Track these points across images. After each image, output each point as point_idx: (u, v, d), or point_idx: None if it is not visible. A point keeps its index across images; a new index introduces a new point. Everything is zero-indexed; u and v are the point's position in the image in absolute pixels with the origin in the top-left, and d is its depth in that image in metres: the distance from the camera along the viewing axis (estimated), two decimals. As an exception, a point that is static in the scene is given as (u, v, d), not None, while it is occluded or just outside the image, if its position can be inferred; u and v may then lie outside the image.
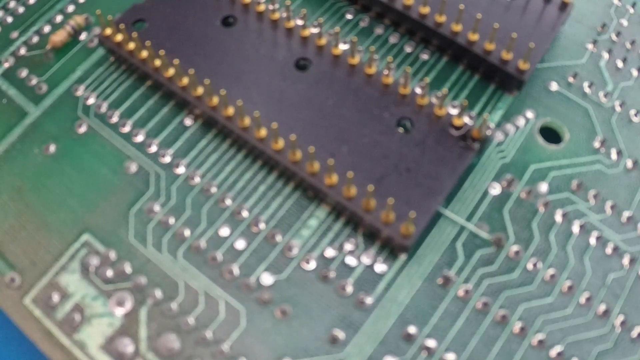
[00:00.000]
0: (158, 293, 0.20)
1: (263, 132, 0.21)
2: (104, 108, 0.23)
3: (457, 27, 0.23)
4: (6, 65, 0.25)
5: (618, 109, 0.23)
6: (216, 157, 0.22)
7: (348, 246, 0.20)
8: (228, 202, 0.21)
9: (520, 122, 0.23)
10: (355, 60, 0.23)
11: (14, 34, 0.26)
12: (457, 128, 0.21)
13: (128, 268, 0.20)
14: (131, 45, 0.23)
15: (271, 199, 0.21)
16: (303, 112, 0.22)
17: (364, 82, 0.22)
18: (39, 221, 0.21)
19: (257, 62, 0.23)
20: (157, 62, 0.23)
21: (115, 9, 0.26)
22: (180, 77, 0.22)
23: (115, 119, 0.23)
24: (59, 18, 0.26)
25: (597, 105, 0.23)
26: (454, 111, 0.22)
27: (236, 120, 0.21)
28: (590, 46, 0.25)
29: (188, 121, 0.23)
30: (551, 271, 0.20)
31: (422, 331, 0.19)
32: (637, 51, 0.25)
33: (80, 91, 0.24)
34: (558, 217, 0.21)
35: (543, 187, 0.21)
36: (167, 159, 0.22)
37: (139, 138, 0.23)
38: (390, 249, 0.20)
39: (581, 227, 0.21)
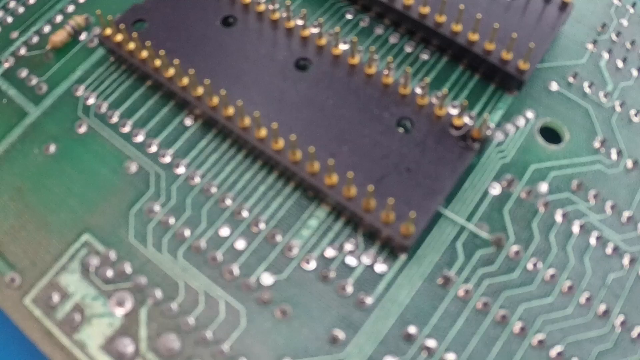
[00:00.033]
0: (158, 293, 0.20)
1: (263, 132, 0.21)
2: (104, 108, 0.23)
3: (457, 27, 0.23)
4: (6, 65, 0.25)
5: (618, 109, 0.23)
6: (216, 157, 0.22)
7: (348, 246, 0.20)
8: (228, 202, 0.21)
9: (521, 122, 0.23)
10: (355, 60, 0.23)
11: (14, 34, 0.26)
12: (457, 128, 0.21)
13: (128, 268, 0.20)
14: (131, 46, 0.23)
15: (271, 199, 0.21)
16: (303, 112, 0.22)
17: (364, 82, 0.22)
18: (39, 221, 0.21)
19: (257, 62, 0.23)
20: (157, 62, 0.23)
21: (115, 9, 0.26)
22: (180, 77, 0.22)
23: (115, 119, 0.23)
24: (59, 18, 0.26)
25: (597, 105, 0.23)
26: (454, 111, 0.22)
27: (236, 120, 0.21)
28: (590, 46, 0.25)
29: (188, 121, 0.23)
30: (551, 271, 0.20)
31: (422, 331, 0.19)
32: (637, 51, 0.25)
33: (80, 91, 0.24)
34: (558, 217, 0.21)
35: (543, 187, 0.21)
36: (167, 159, 0.22)
37: (139, 138, 0.23)
38: (390, 249, 0.20)
39: (581, 227, 0.21)
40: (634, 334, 0.19)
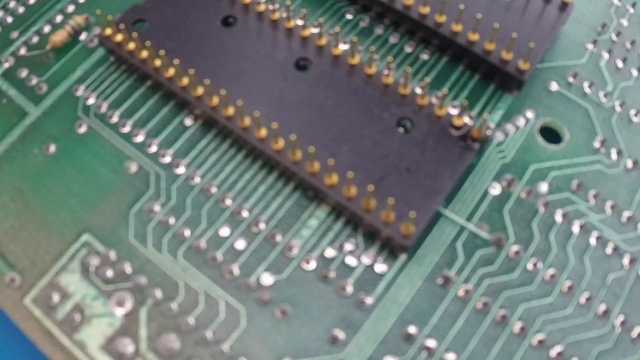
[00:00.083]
0: (158, 293, 0.20)
1: (263, 132, 0.21)
2: (104, 108, 0.23)
3: (457, 27, 0.23)
4: (6, 65, 0.25)
5: (618, 109, 0.23)
6: (216, 157, 0.22)
7: (348, 246, 0.20)
8: (228, 202, 0.21)
9: (520, 122, 0.23)
10: (355, 60, 0.23)
11: (14, 34, 0.26)
12: (457, 128, 0.21)
13: (128, 268, 0.20)
14: (131, 46, 0.23)
15: (271, 199, 0.21)
16: (303, 112, 0.22)
17: (364, 82, 0.22)
18: (39, 221, 0.21)
19: (257, 62, 0.23)
20: (157, 62, 0.23)
21: (115, 9, 0.26)
22: (180, 77, 0.22)
23: (115, 119, 0.23)
24: (59, 18, 0.26)
25: (597, 105, 0.23)
26: (454, 111, 0.22)
27: (236, 120, 0.21)
28: (590, 46, 0.25)
29: (188, 121, 0.23)
30: (551, 271, 0.20)
31: (422, 331, 0.19)
32: (637, 51, 0.25)
33: (80, 91, 0.24)
34: (558, 217, 0.21)
35: (543, 187, 0.21)
36: (167, 159, 0.22)
37: (139, 138, 0.23)
38: (390, 249, 0.20)
39: (581, 227, 0.21)
40: (634, 334, 0.19)
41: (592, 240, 0.21)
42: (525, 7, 0.24)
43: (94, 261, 0.20)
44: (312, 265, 0.20)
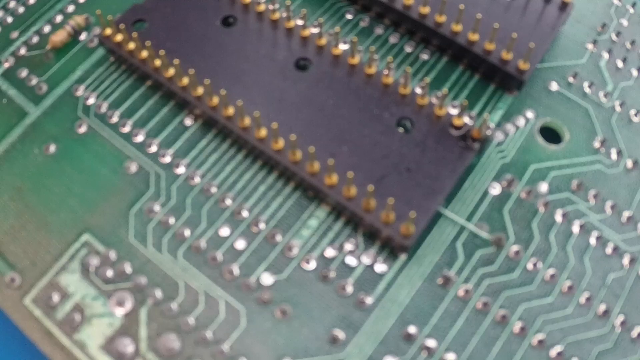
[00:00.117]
0: (158, 293, 0.20)
1: (263, 132, 0.21)
2: (104, 108, 0.23)
3: (457, 27, 0.23)
4: (6, 65, 0.25)
5: (618, 109, 0.23)
6: (216, 157, 0.22)
7: (348, 246, 0.20)
8: (228, 202, 0.21)
9: (520, 122, 0.23)
10: (355, 60, 0.23)
11: (14, 34, 0.26)
12: (457, 128, 0.21)
13: (128, 268, 0.20)
14: (131, 45, 0.23)
15: (271, 199, 0.21)
16: (303, 112, 0.22)
17: (364, 82, 0.22)
18: (39, 221, 0.21)
19: (257, 62, 0.23)
20: (157, 62, 0.23)
21: (115, 9, 0.26)
22: (180, 77, 0.22)
23: (115, 119, 0.23)
24: (59, 18, 0.26)
25: (597, 105, 0.23)
26: (454, 111, 0.22)
27: (236, 120, 0.21)
28: (590, 46, 0.25)
29: (188, 121, 0.23)
30: (551, 271, 0.20)
31: (422, 331, 0.19)
32: (637, 51, 0.25)
33: (80, 91, 0.24)
34: (558, 217, 0.21)
35: (543, 187, 0.21)
36: (167, 159, 0.22)
37: (139, 138, 0.23)
38: (390, 249, 0.20)
39: (581, 227, 0.21)
40: (634, 334, 0.19)
41: (592, 240, 0.21)
42: (525, 7, 0.24)
43: (94, 261, 0.20)
44: (312, 265, 0.20)
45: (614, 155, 0.22)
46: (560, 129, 0.23)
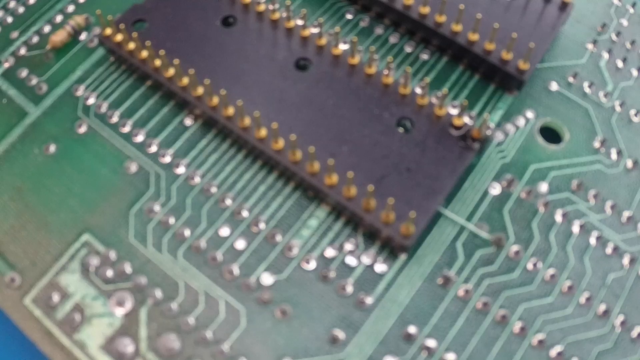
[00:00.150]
0: (158, 293, 0.20)
1: (263, 132, 0.21)
2: (104, 108, 0.23)
3: (457, 27, 0.23)
4: (6, 65, 0.25)
5: (618, 109, 0.23)
6: (216, 157, 0.22)
7: (348, 246, 0.20)
8: (228, 202, 0.21)
9: (520, 122, 0.23)
10: (355, 60, 0.23)
11: (14, 34, 0.26)
12: (457, 128, 0.21)
13: (128, 268, 0.20)
14: (131, 45, 0.23)
15: (271, 199, 0.21)
16: (303, 112, 0.22)
17: (364, 82, 0.22)
18: (39, 221, 0.21)
19: (257, 62, 0.23)
20: (157, 62, 0.23)
21: (115, 9, 0.26)
22: (180, 77, 0.22)
23: (115, 119, 0.23)
24: (59, 18, 0.26)
25: (597, 105, 0.23)
26: (454, 111, 0.22)
27: (236, 120, 0.21)
28: (590, 46, 0.25)
29: (188, 121, 0.23)
30: (551, 271, 0.20)
31: (422, 331, 0.19)
32: (637, 51, 0.25)
33: (80, 91, 0.24)
34: (558, 217, 0.21)
35: (543, 187, 0.21)
36: (167, 159, 0.22)
37: (139, 138, 0.23)
38: (390, 249, 0.20)
39: (581, 227, 0.21)
40: (634, 334, 0.19)
41: (592, 240, 0.21)
42: (525, 7, 0.24)
43: (94, 261, 0.20)
44: (312, 265, 0.20)
45: (614, 155, 0.22)
46: (560, 129, 0.23)
